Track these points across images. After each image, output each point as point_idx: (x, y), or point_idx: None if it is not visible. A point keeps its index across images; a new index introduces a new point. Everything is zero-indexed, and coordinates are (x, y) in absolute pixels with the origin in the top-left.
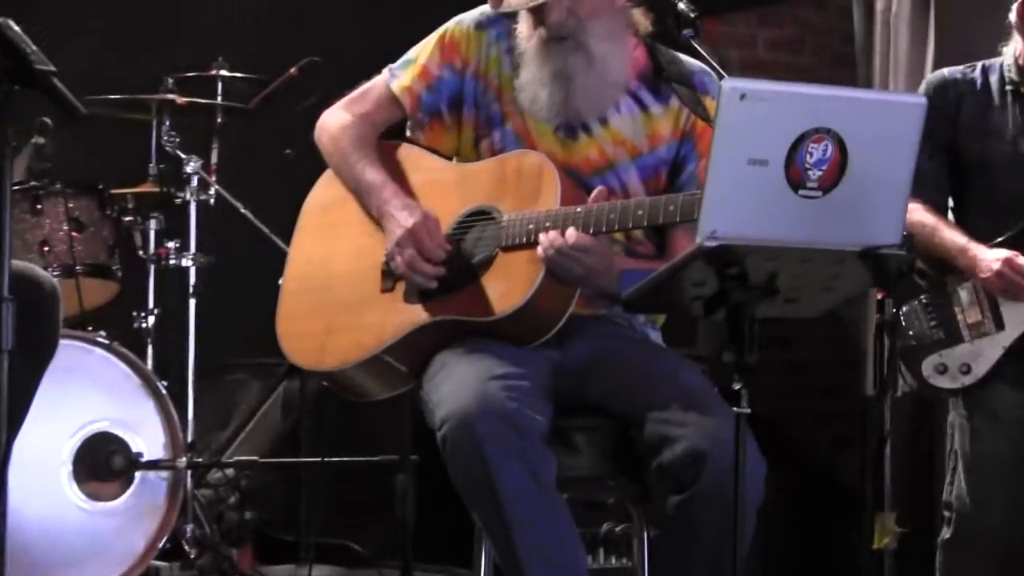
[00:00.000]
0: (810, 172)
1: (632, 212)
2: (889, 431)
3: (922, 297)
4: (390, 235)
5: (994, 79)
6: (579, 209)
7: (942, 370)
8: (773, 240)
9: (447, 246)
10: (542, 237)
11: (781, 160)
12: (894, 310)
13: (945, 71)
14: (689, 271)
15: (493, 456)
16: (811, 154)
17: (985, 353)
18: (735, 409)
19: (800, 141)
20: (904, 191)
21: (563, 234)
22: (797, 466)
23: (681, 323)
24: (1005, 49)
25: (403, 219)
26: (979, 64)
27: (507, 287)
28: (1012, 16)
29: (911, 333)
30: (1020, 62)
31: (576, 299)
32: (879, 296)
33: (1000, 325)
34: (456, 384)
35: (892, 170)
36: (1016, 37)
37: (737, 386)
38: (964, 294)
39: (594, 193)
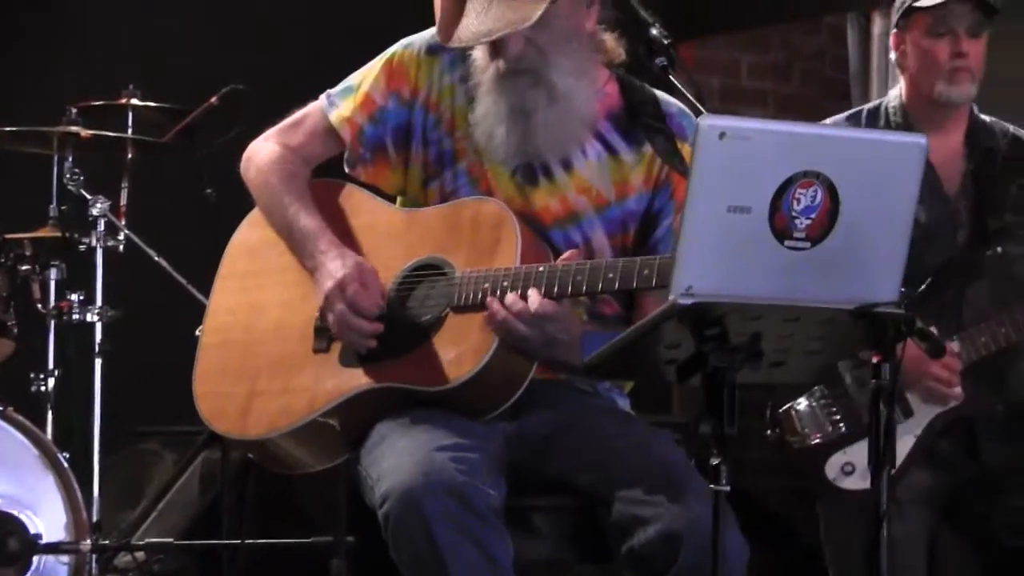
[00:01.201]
0: (797, 221)
1: (602, 274)
2: (885, 511)
3: (816, 389)
4: (320, 289)
5: (880, 126)
6: (541, 268)
7: (849, 470)
8: (756, 297)
9: (381, 302)
10: (491, 300)
11: (765, 207)
12: (789, 407)
13: (828, 121)
14: (662, 332)
15: (441, 535)
16: (799, 200)
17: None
18: (713, 486)
19: (786, 186)
20: (903, 242)
21: (523, 297)
22: (784, 549)
23: (652, 387)
24: (890, 92)
25: (335, 270)
26: (864, 109)
27: (458, 353)
28: (892, 55)
29: (807, 431)
30: (905, 102)
31: (534, 369)
32: (875, 360)
33: (908, 412)
34: (399, 456)
35: (889, 218)
36: (900, 76)
37: (716, 461)
38: (859, 380)
39: (566, 254)
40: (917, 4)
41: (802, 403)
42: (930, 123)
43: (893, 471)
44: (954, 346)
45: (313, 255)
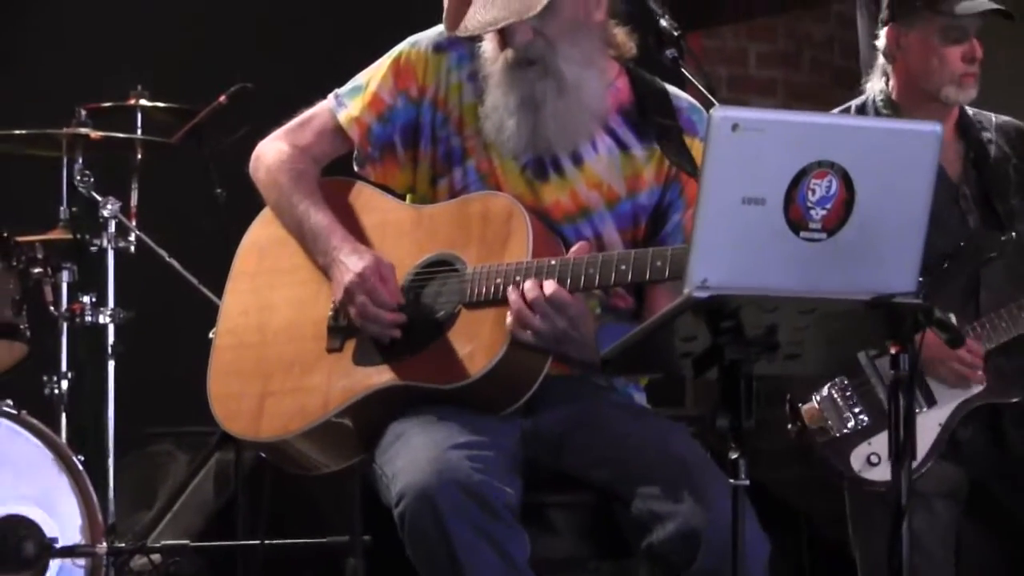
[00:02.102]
0: (812, 211)
1: (615, 267)
2: (907, 503)
3: (837, 381)
4: (337, 284)
5: None
6: (554, 261)
7: (876, 461)
8: (771, 289)
9: (400, 298)
10: (511, 290)
11: (780, 198)
12: (810, 400)
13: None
14: (677, 325)
15: (457, 534)
16: (813, 191)
17: (920, 434)
18: (732, 481)
19: (801, 177)
20: (919, 231)
21: (540, 286)
22: (804, 542)
23: (668, 381)
24: (868, 85)
25: (352, 264)
26: (851, 105)
27: (471, 349)
28: (881, 43)
29: (829, 423)
30: (894, 96)
31: (549, 364)
32: (893, 350)
33: (931, 400)
34: (414, 455)
35: (904, 208)
36: (887, 69)
37: (734, 455)
38: (883, 369)
39: (575, 247)
40: (939, 8)
41: (823, 395)
42: (921, 116)
43: (915, 462)
44: (974, 332)
45: (327, 251)
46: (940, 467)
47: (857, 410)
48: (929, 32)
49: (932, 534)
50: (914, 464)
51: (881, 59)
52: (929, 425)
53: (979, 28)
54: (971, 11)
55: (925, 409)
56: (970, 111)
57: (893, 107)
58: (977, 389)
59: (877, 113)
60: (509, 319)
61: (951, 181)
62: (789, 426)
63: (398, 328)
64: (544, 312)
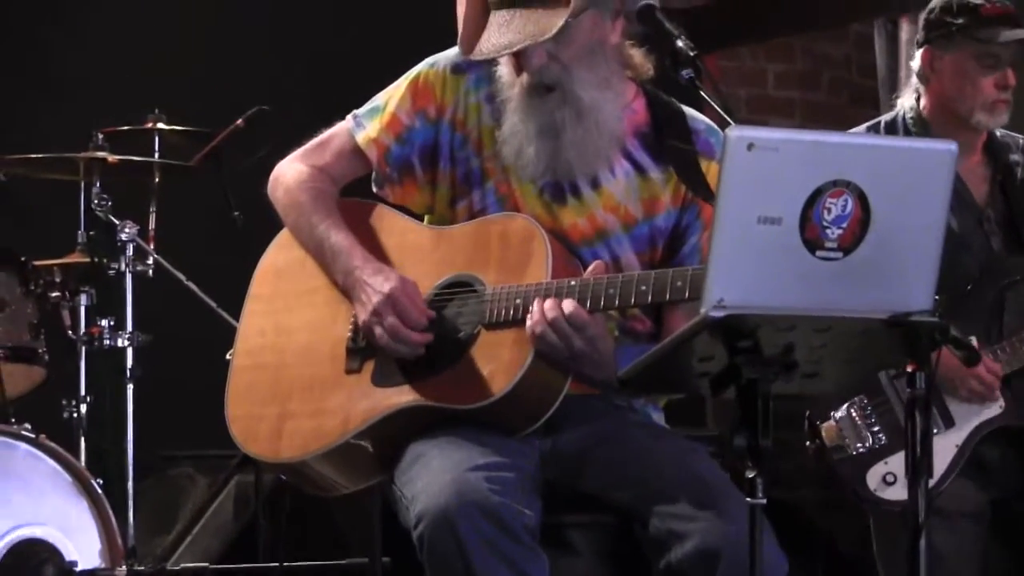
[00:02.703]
0: (828, 230)
1: (635, 287)
2: (924, 523)
3: (856, 399)
4: (363, 305)
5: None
6: (573, 282)
7: (891, 480)
8: (788, 308)
9: (431, 313)
10: (535, 305)
11: (795, 217)
12: (829, 418)
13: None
14: (694, 345)
15: (477, 559)
16: (829, 210)
17: (937, 454)
18: (750, 500)
19: (816, 196)
20: (935, 250)
21: (559, 305)
22: (822, 561)
23: (688, 400)
24: (900, 101)
25: (378, 285)
26: (880, 121)
27: (491, 370)
28: (916, 63)
29: (847, 442)
30: (926, 114)
31: (568, 385)
32: (909, 368)
33: (949, 422)
34: (433, 477)
35: (921, 226)
36: (919, 88)
37: (751, 474)
38: (902, 389)
39: (592, 266)
40: (977, 36)
41: (842, 413)
42: (951, 137)
43: (931, 482)
44: (995, 356)
45: (348, 271)
46: (962, 486)
47: (875, 429)
48: (964, 58)
49: (958, 555)
50: (930, 484)
51: (914, 78)
52: (947, 446)
53: (1014, 56)
54: (1011, 39)
55: (943, 430)
56: (999, 132)
57: (923, 125)
58: (996, 411)
59: (907, 130)
60: (528, 325)
61: (976, 204)
62: (808, 443)
63: (423, 348)
64: (563, 332)
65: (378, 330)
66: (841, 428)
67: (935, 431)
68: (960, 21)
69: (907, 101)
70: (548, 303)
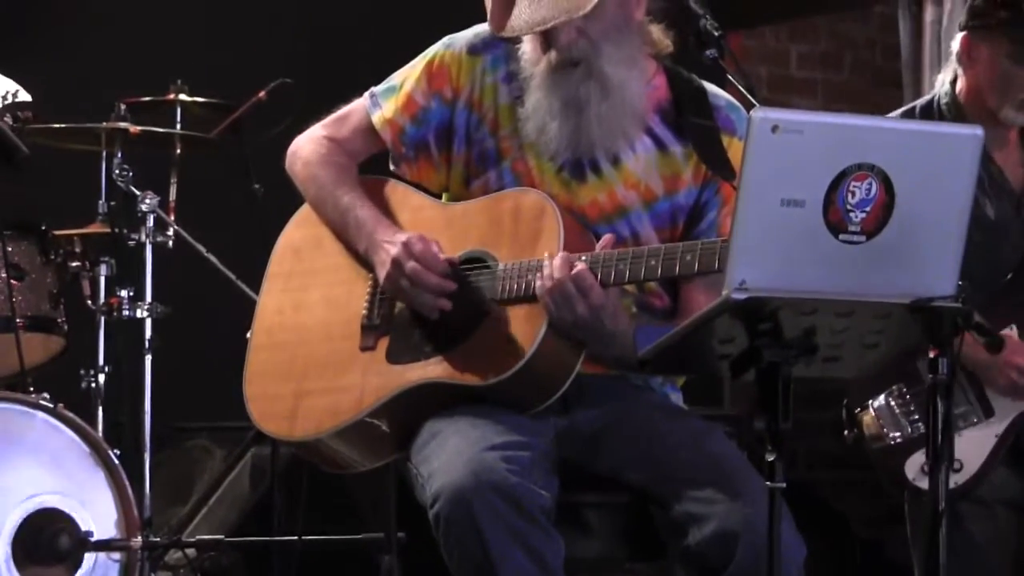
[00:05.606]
0: (852, 214)
1: (644, 262)
2: (943, 511)
3: (895, 388)
4: (382, 264)
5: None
6: (584, 256)
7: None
8: (810, 291)
9: (453, 258)
10: (545, 261)
11: (819, 201)
12: (867, 407)
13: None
14: (715, 327)
15: (492, 537)
16: (853, 193)
17: (976, 445)
18: (769, 484)
19: (840, 179)
20: (959, 235)
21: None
22: (841, 544)
23: (705, 380)
24: (940, 77)
25: (394, 237)
26: (916, 106)
27: (504, 346)
28: (955, 46)
29: (885, 431)
30: (961, 99)
31: (582, 359)
32: (932, 354)
33: (989, 411)
34: (449, 456)
35: (945, 211)
36: (957, 70)
37: (771, 457)
38: None
39: (602, 240)
40: (1016, 34)
41: (880, 402)
42: (987, 121)
43: (971, 472)
44: None
45: (370, 236)
46: (1004, 475)
47: (914, 418)
48: (999, 51)
49: (994, 543)
50: (968, 475)
51: (954, 58)
52: (987, 436)
53: None
54: None
55: (983, 420)
56: None
57: (959, 109)
58: None
59: (941, 115)
60: (537, 289)
61: (1014, 191)
62: (845, 432)
63: (447, 299)
64: (567, 292)
65: (402, 282)
66: (879, 417)
67: (975, 421)
68: (1002, 15)
69: (946, 76)
70: (558, 261)
